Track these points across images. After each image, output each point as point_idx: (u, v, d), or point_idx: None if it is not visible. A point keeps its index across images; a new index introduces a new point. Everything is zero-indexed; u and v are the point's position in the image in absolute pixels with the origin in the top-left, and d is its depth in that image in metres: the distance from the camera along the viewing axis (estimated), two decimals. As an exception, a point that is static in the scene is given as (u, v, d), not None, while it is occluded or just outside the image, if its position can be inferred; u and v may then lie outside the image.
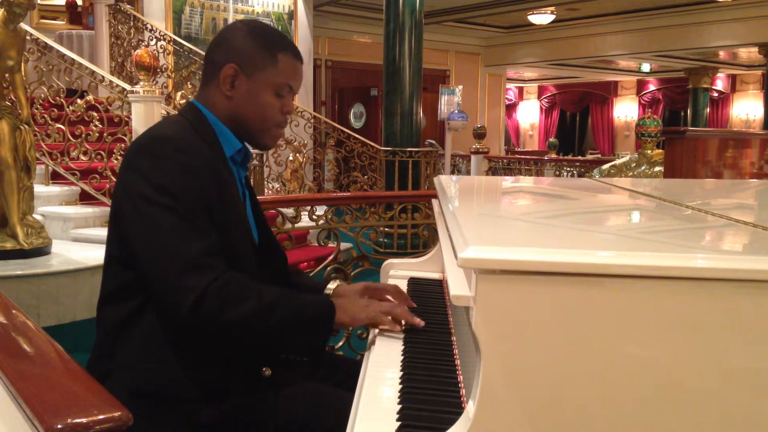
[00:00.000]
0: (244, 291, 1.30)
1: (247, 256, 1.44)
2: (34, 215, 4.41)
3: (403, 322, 1.41)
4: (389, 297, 1.56)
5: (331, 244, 3.52)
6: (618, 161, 6.02)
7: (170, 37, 7.52)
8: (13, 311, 1.19)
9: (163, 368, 1.33)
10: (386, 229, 6.01)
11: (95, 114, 5.07)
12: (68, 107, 5.15)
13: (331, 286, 1.64)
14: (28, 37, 4.78)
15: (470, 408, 0.91)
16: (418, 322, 1.40)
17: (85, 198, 5.15)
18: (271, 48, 1.44)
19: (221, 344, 1.35)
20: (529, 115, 19.63)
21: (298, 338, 1.38)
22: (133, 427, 0.80)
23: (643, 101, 17.44)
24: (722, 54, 13.23)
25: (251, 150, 1.54)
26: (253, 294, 1.30)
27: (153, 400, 1.31)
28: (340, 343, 2.90)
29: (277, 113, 1.46)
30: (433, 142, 8.25)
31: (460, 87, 9.22)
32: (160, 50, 7.16)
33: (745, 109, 15.94)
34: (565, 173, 9.86)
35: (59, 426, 0.76)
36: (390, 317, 1.41)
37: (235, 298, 1.27)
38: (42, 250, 4.25)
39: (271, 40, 1.45)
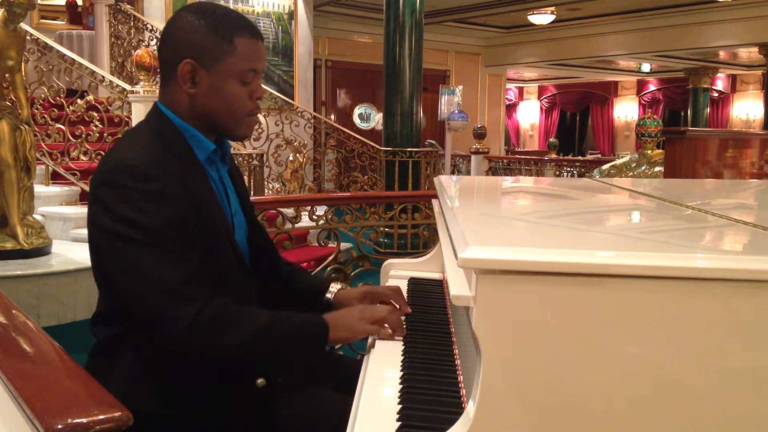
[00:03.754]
0: (234, 319, 1.26)
1: (232, 272, 1.39)
2: (34, 215, 4.41)
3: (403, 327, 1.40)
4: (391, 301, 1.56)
5: (331, 244, 3.52)
6: (618, 161, 6.02)
7: (170, 37, 7.50)
8: (13, 311, 1.19)
9: (156, 388, 1.31)
10: (386, 229, 6.00)
11: (95, 114, 5.07)
12: (68, 107, 5.15)
13: (333, 289, 1.61)
14: (28, 37, 4.78)
15: (470, 408, 0.91)
16: (399, 336, 1.37)
17: (85, 198, 5.14)
18: (226, 33, 1.31)
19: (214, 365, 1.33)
20: (529, 115, 19.63)
21: (290, 361, 1.36)
22: None
23: (643, 101, 17.43)
24: (722, 54, 13.23)
25: (229, 143, 1.48)
26: (243, 321, 1.27)
27: (146, 420, 1.29)
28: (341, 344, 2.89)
29: (247, 101, 1.36)
30: (433, 142, 8.26)
31: (460, 87, 9.22)
32: (160, 50, 7.15)
33: (745, 109, 15.93)
34: (565, 173, 9.86)
35: (59, 426, 0.76)
36: (386, 323, 1.39)
37: (224, 329, 1.24)
38: (42, 250, 4.25)
39: (224, 23, 1.32)
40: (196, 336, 1.21)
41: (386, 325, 1.39)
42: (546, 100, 19.27)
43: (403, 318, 1.46)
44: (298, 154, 7.41)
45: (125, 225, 1.22)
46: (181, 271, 1.23)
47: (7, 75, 4.18)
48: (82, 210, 5.00)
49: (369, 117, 11.70)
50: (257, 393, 1.38)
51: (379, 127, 8.90)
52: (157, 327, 1.23)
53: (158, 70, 1.43)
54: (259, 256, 1.56)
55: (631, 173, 5.42)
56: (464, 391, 1.13)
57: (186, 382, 1.32)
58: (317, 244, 3.65)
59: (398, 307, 1.52)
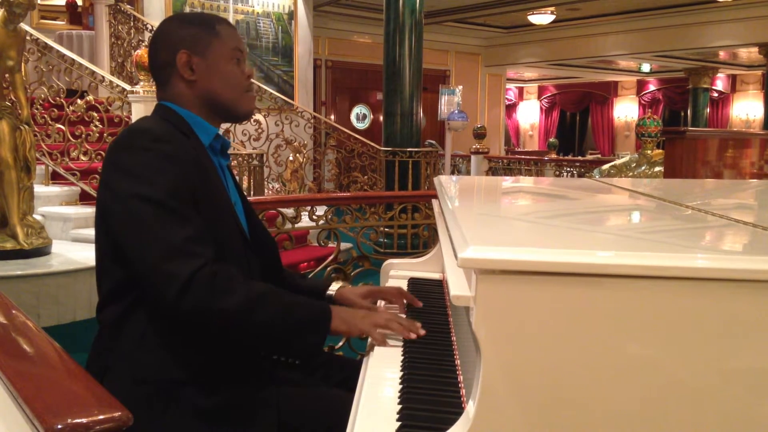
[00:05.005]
0: (232, 283, 1.27)
1: (236, 245, 1.43)
2: (34, 215, 4.41)
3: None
4: (393, 300, 1.62)
5: (331, 244, 3.52)
6: (618, 161, 6.02)
7: (170, 37, 7.50)
8: (13, 311, 1.20)
9: (161, 355, 1.33)
10: (386, 229, 6.01)
11: (95, 114, 5.07)
12: (68, 107, 5.15)
13: (334, 287, 1.64)
14: (28, 38, 4.79)
15: (470, 408, 0.91)
16: (414, 335, 1.35)
17: (85, 198, 5.15)
18: (207, 23, 1.47)
19: (213, 335, 1.33)
20: (529, 115, 19.63)
21: (287, 339, 1.35)
22: (135, 415, 0.81)
23: (643, 101, 17.44)
24: (722, 54, 13.23)
25: (228, 141, 1.55)
26: (242, 287, 1.28)
27: (153, 387, 1.31)
28: (341, 344, 2.90)
29: (242, 78, 1.48)
30: (433, 142, 8.27)
31: (460, 87, 9.22)
32: (160, 50, 7.15)
33: (745, 109, 15.93)
34: (565, 173, 9.87)
35: (59, 426, 0.76)
36: (387, 330, 1.38)
37: (222, 289, 1.25)
38: (42, 251, 4.25)
39: (203, 18, 1.49)
40: (191, 294, 1.23)
41: (384, 333, 1.38)
42: (546, 100, 19.27)
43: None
44: (298, 154, 7.41)
45: (140, 184, 1.28)
46: (187, 230, 1.27)
47: (7, 75, 4.18)
48: (82, 210, 5.01)
49: (365, 117, 11.76)
50: (261, 368, 1.40)
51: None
52: (155, 283, 1.26)
53: (154, 75, 1.52)
54: (260, 248, 1.56)
55: (631, 173, 5.43)
56: (464, 391, 1.14)
57: (190, 351, 1.34)
58: (317, 244, 3.64)
59: (404, 302, 1.61)
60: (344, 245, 4.08)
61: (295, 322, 1.34)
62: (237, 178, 1.69)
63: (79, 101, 5.15)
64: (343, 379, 1.53)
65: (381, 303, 1.65)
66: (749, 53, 12.57)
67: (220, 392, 1.34)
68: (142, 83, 4.66)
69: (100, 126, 5.07)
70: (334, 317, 1.36)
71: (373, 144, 7.62)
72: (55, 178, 5.29)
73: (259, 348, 1.44)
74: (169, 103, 1.46)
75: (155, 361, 1.33)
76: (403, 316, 1.52)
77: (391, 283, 1.86)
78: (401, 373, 1.22)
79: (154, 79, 1.51)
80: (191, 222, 1.29)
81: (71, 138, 5.13)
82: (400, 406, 1.08)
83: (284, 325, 1.33)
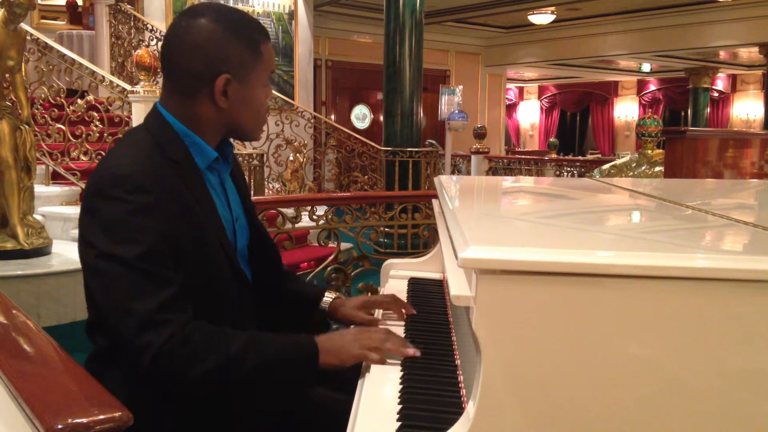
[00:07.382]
0: (209, 343, 1.18)
1: (227, 283, 1.33)
2: (34, 215, 4.41)
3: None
4: (389, 309, 1.55)
5: (331, 244, 3.52)
6: (618, 161, 6.02)
7: (170, 37, 7.51)
8: (14, 311, 1.20)
9: (147, 398, 1.25)
10: (386, 229, 6.00)
11: (95, 114, 5.08)
12: (68, 107, 5.15)
13: (328, 298, 1.57)
14: (28, 37, 4.78)
15: (470, 408, 0.91)
16: (412, 353, 1.28)
17: (85, 198, 5.14)
18: (254, 42, 1.31)
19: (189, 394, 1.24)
20: (530, 115, 19.63)
21: (276, 385, 1.27)
22: None
23: (643, 101, 17.44)
24: (722, 54, 13.23)
25: (231, 146, 1.44)
26: (220, 344, 1.19)
27: (139, 430, 1.26)
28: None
29: (266, 105, 1.38)
30: (433, 142, 8.26)
31: (461, 87, 9.20)
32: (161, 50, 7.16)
33: (745, 109, 15.93)
34: (565, 173, 9.87)
35: (59, 426, 0.76)
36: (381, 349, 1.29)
37: (197, 353, 1.17)
38: (42, 250, 4.25)
39: (250, 32, 1.32)
40: (162, 366, 1.15)
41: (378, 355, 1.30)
42: (546, 100, 19.26)
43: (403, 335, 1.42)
44: (298, 154, 7.42)
45: (114, 243, 1.18)
46: (160, 295, 1.17)
47: (7, 75, 4.18)
48: (83, 210, 4.99)
49: (365, 117, 11.77)
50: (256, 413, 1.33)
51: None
52: (127, 353, 1.19)
53: (175, 78, 1.33)
54: (261, 261, 1.52)
55: (631, 173, 5.42)
56: (464, 391, 1.14)
57: (178, 397, 1.26)
58: (317, 244, 3.64)
59: (401, 310, 1.53)
60: (344, 245, 4.08)
61: (281, 368, 1.25)
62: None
63: (79, 101, 5.15)
64: (343, 380, 1.51)
65: (379, 313, 1.56)
66: (749, 53, 12.57)
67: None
68: (142, 83, 4.66)
69: (101, 126, 5.07)
70: (322, 351, 1.26)
71: (373, 144, 7.62)
72: (55, 178, 5.29)
73: (247, 401, 1.32)
74: (168, 115, 1.32)
75: (137, 404, 1.23)
76: (401, 328, 1.47)
77: (392, 282, 1.86)
78: (401, 373, 1.22)
79: (171, 81, 1.32)
80: (166, 284, 1.18)
81: (71, 138, 5.13)
82: (400, 406, 1.08)
83: (270, 373, 1.24)
